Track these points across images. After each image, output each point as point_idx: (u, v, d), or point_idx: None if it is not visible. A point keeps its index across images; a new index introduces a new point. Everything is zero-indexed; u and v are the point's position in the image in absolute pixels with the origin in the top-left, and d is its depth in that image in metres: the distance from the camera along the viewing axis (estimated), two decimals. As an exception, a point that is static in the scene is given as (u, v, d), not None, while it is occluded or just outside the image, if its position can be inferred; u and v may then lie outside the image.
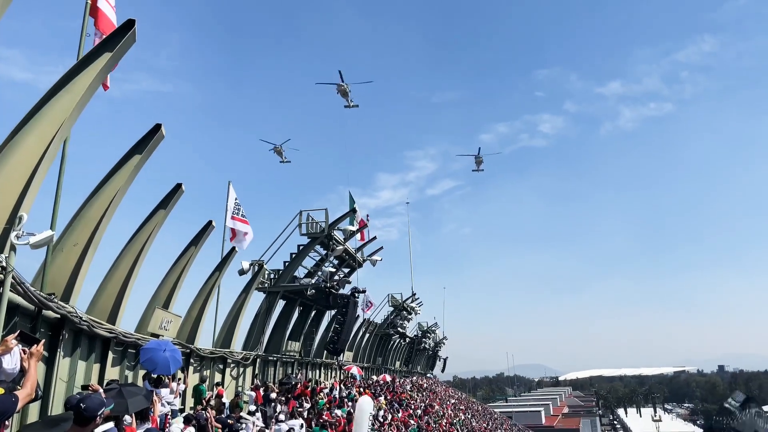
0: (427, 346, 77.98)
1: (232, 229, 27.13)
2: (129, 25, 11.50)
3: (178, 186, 17.77)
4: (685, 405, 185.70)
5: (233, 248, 24.67)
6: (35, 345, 6.10)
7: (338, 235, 34.08)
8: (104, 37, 12.79)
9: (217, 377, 24.22)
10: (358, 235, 37.05)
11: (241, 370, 26.80)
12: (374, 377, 48.86)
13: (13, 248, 10.24)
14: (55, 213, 12.74)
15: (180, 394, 17.97)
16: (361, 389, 36.31)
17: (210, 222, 20.91)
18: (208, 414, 15.43)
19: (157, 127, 14.92)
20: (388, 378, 49.43)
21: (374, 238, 40.33)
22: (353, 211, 36.46)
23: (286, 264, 32.00)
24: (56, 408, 12.53)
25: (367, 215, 38.22)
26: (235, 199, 27.62)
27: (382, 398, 38.55)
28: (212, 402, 18.26)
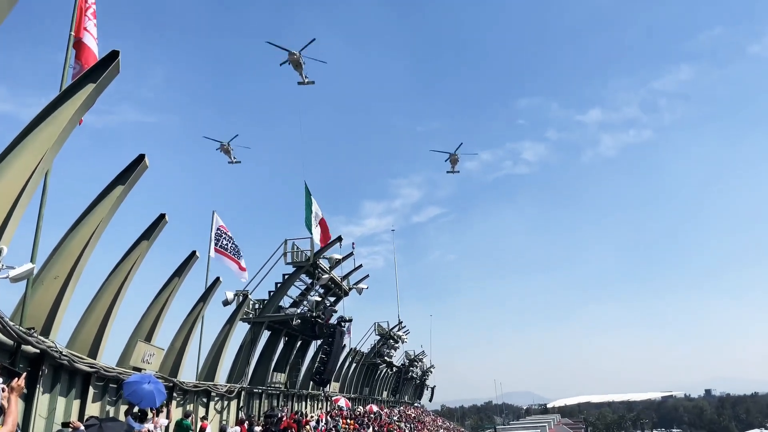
0: (414, 375, 77.31)
1: (237, 262, 27.55)
2: (113, 56, 11.53)
3: (162, 216, 17.66)
4: (674, 431, 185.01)
5: (217, 278, 24.46)
6: (16, 379, 5.95)
7: (324, 263, 33.92)
8: (87, 69, 12.81)
9: (201, 411, 23.76)
10: (317, 236, 33.93)
11: (226, 403, 26.34)
12: (361, 408, 48.23)
13: (-8, 282, 10.05)
14: (35, 245, 12.56)
15: (163, 428, 17.59)
16: (348, 421, 35.79)
17: (194, 252, 20.75)
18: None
19: (141, 158, 14.86)
20: (375, 408, 48.81)
21: (360, 266, 40.17)
22: (339, 239, 36.39)
23: (272, 294, 31.73)
24: (35, 446, 12.19)
25: (353, 243, 38.07)
26: (226, 233, 27.59)
27: (369, 430, 38.00)
28: (196, 437, 17.88)
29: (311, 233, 32.70)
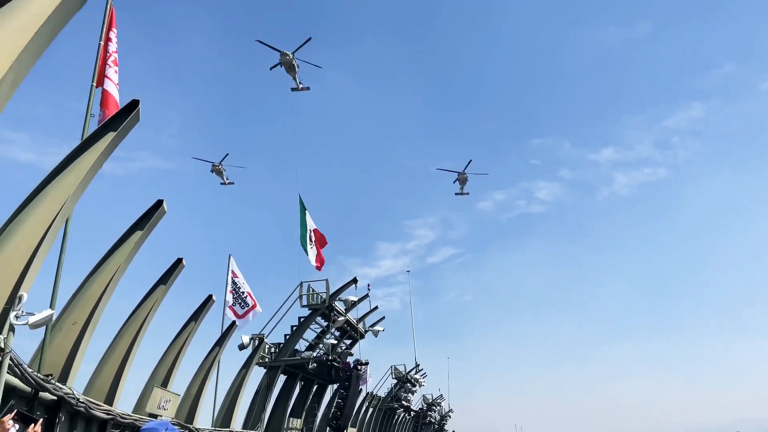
0: (433, 420, 75.76)
1: (232, 310, 26.84)
2: (133, 105, 11.84)
3: (179, 261, 17.80)
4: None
5: (233, 323, 24.46)
6: (33, 425, 5.96)
7: (339, 305, 33.82)
8: (109, 116, 13.17)
9: (217, 458, 23.43)
10: (313, 256, 31.91)
11: (242, 450, 25.97)
12: (379, 454, 47.26)
13: (12, 329, 10.15)
14: (55, 291, 12.71)
15: (178, 477, 17.36)
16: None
17: (210, 296, 20.82)
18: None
19: (159, 203, 15.08)
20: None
21: (376, 308, 40.02)
22: (354, 280, 36.30)
23: (287, 337, 31.59)
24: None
25: (368, 285, 37.95)
26: (236, 278, 27.49)
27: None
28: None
29: (306, 253, 30.79)
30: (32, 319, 10.10)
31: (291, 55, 36.21)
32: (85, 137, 12.16)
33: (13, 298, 10.29)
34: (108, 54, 15.41)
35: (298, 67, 37.16)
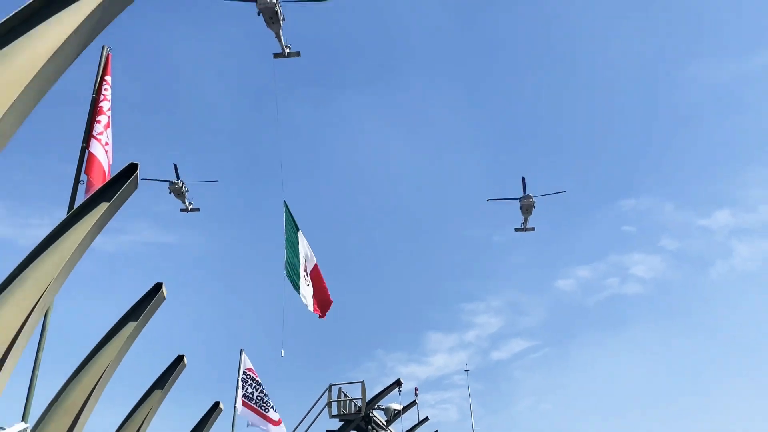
0: None
1: (253, 410, 26.76)
2: (131, 170, 12.22)
3: (180, 358, 17.89)
4: None
5: (246, 437, 24.25)
6: None
7: (378, 415, 33.29)
8: (95, 184, 13.63)
9: None
10: (309, 298, 26.54)
11: None
12: None
13: (-24, 448, 10.24)
14: (29, 400, 12.85)
15: None
16: None
17: (217, 404, 20.76)
18: None
19: (158, 287, 15.31)
20: None
21: (426, 419, 39.25)
22: (398, 383, 35.81)
23: (313, 456, 31.09)
24: None
25: (416, 389, 37.40)
26: (254, 377, 27.38)
27: None
28: None
29: (298, 291, 25.79)
30: (1, 436, 10.19)
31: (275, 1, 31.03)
32: (72, 209, 12.55)
33: (-21, 410, 10.42)
34: (98, 108, 16.09)
35: (283, 18, 32.20)
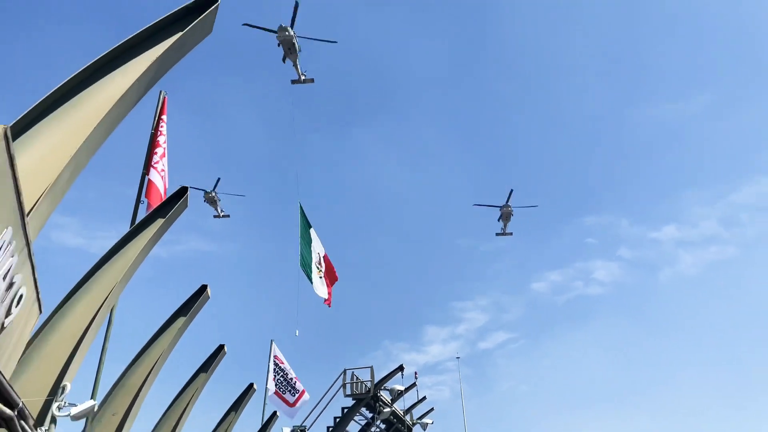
0: None
1: (281, 397, 26.16)
2: (182, 192, 12.37)
3: (221, 347, 17.95)
4: None
5: (274, 413, 24.19)
6: None
7: (385, 395, 33.11)
8: (152, 206, 13.77)
9: None
10: (323, 288, 25.85)
11: None
12: None
13: (53, 420, 10.29)
14: (97, 381, 12.88)
15: None
16: None
17: (251, 385, 20.80)
18: None
19: (203, 288, 15.42)
20: None
21: (424, 398, 39.02)
22: (401, 368, 35.66)
23: (330, 429, 30.92)
24: None
25: (416, 373, 37.18)
26: (281, 364, 27.02)
27: None
28: None
29: (310, 280, 25.02)
30: (74, 411, 10.23)
31: (291, 32, 29.10)
32: (134, 224, 12.68)
33: (56, 389, 10.50)
34: (156, 143, 16.23)
35: (300, 50, 30.42)
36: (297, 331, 22.84)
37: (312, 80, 32.54)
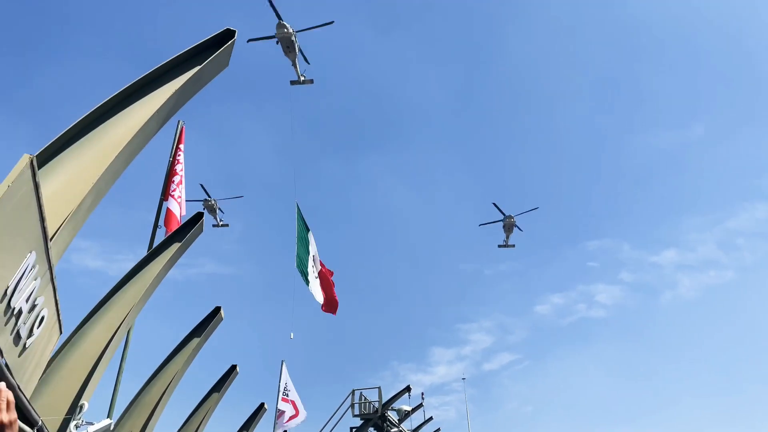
0: None
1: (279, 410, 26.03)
2: (197, 218, 12.57)
3: (233, 368, 18.00)
4: None
5: (285, 432, 24.03)
6: None
7: (392, 415, 32.92)
8: (169, 232, 13.98)
9: None
10: (319, 294, 23.88)
11: None
12: None
13: (71, 438, 10.37)
14: (113, 400, 12.99)
15: None
16: None
17: (262, 405, 20.78)
18: None
19: (217, 310, 15.54)
20: None
21: (431, 418, 38.71)
22: (408, 388, 35.47)
23: (339, 449, 30.72)
24: None
25: (422, 393, 36.94)
26: (286, 384, 27.00)
27: None
28: None
29: (307, 283, 23.45)
30: (91, 429, 10.32)
31: (290, 29, 28.25)
32: (151, 248, 12.87)
33: (75, 407, 10.60)
34: (173, 171, 16.52)
35: (299, 50, 29.65)
36: (291, 334, 22.29)
37: (311, 81, 31.86)
